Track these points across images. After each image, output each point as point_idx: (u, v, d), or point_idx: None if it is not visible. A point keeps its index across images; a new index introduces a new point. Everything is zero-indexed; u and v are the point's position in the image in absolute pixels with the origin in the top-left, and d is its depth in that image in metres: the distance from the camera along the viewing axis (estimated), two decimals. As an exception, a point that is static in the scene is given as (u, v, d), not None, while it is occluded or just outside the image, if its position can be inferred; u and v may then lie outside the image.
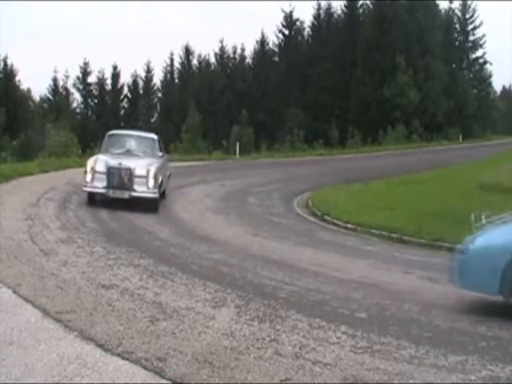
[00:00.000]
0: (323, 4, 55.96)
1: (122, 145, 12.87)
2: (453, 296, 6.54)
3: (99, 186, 11.32)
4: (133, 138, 13.48)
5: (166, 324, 4.88)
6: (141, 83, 58.05)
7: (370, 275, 7.50)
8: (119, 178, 11.32)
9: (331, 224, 12.43)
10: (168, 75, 58.86)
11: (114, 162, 11.53)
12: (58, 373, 3.80)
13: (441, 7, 52.80)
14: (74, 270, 6.50)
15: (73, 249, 7.60)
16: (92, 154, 23.60)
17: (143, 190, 11.39)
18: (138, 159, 12.11)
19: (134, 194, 11.33)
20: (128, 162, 11.55)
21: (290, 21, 54.42)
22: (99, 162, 11.65)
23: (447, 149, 38.51)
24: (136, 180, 11.35)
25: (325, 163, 26.96)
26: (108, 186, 11.30)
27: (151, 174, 11.44)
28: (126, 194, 11.33)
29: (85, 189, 11.55)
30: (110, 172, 11.35)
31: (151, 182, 11.41)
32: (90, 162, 11.74)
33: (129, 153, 12.47)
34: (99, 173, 11.34)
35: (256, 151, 33.19)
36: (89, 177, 11.37)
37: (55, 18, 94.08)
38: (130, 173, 11.34)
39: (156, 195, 11.61)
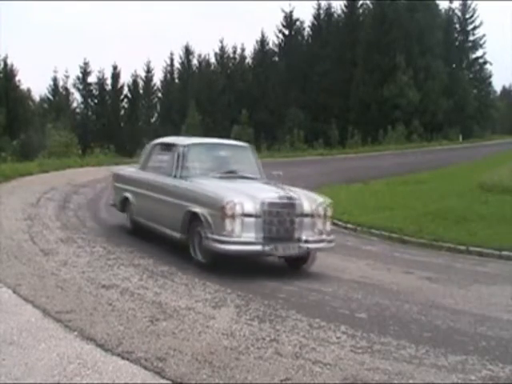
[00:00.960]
0: (323, 4, 56.42)
1: (215, 161, 8.25)
2: (453, 296, 6.55)
3: (251, 239, 6.69)
4: (225, 149, 8.80)
5: (166, 324, 4.89)
6: (141, 83, 58.22)
7: (369, 275, 7.50)
8: (283, 221, 6.82)
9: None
10: (168, 75, 59.05)
11: (272, 194, 7.00)
12: (58, 373, 3.80)
13: (441, 7, 53.04)
14: (74, 270, 6.50)
15: (73, 249, 7.60)
16: (92, 154, 23.92)
17: (315, 237, 7.04)
18: (264, 184, 7.67)
19: (305, 245, 6.93)
20: (290, 193, 7.10)
21: (290, 21, 54.57)
22: (243, 196, 6.82)
23: (447, 149, 38.53)
24: (305, 222, 7.01)
25: (325, 163, 26.96)
26: (268, 238, 6.71)
27: (328, 211, 7.23)
28: (295, 249, 6.87)
29: (226, 247, 6.59)
30: (270, 213, 6.76)
31: (328, 224, 7.26)
32: (228, 196, 6.70)
33: (234, 174, 7.97)
34: (249, 215, 6.69)
35: (256, 151, 33.21)
36: (235, 225, 6.59)
37: (55, 18, 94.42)
38: (296, 212, 6.92)
39: (333, 244, 7.38)
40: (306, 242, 6.94)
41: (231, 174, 7.91)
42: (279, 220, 6.79)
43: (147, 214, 8.45)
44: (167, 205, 7.74)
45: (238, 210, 6.61)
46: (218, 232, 6.63)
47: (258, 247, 6.68)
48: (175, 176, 7.85)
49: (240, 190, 7.12)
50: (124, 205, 9.18)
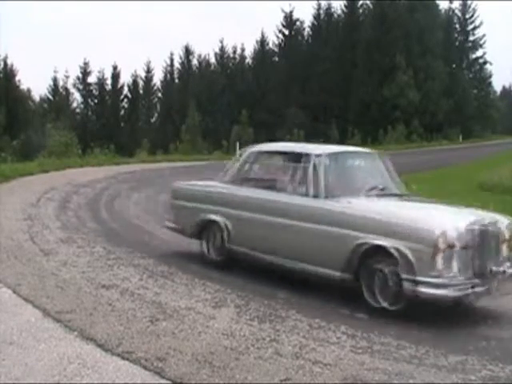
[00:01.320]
0: (323, 4, 56.49)
1: (355, 175, 6.71)
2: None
3: (462, 279, 5.23)
4: (359, 158, 7.01)
5: (166, 324, 4.89)
6: (141, 83, 58.28)
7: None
8: (485, 252, 5.40)
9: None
10: (168, 75, 59.11)
11: (473, 218, 5.53)
12: (58, 373, 3.80)
13: (441, 7, 53.10)
14: (74, 270, 6.50)
15: (73, 249, 7.60)
16: (92, 154, 23.90)
17: (504, 267, 5.53)
18: (439, 204, 6.52)
19: (505, 277, 5.53)
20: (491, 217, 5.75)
21: (289, 21, 54.65)
22: (449, 223, 5.36)
23: (447, 149, 38.51)
24: (498, 250, 5.58)
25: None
26: (478, 275, 5.32)
27: None
28: (494, 284, 5.44)
29: (441, 292, 5.15)
30: (479, 243, 5.34)
31: None
32: (439, 225, 5.24)
33: (388, 192, 6.48)
34: (463, 248, 5.25)
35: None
36: (452, 262, 5.18)
37: (55, 18, 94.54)
38: (498, 239, 5.55)
39: None
40: (506, 273, 5.51)
41: (384, 192, 6.40)
42: (485, 251, 5.39)
43: (262, 244, 6.56)
44: (311, 234, 6.03)
45: (455, 242, 5.17)
46: (423, 272, 5.12)
47: (469, 289, 5.24)
48: (315, 196, 6.07)
49: (437, 214, 5.80)
50: (203, 229, 7.24)
